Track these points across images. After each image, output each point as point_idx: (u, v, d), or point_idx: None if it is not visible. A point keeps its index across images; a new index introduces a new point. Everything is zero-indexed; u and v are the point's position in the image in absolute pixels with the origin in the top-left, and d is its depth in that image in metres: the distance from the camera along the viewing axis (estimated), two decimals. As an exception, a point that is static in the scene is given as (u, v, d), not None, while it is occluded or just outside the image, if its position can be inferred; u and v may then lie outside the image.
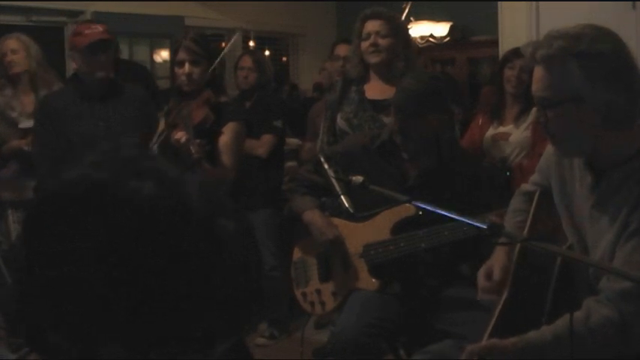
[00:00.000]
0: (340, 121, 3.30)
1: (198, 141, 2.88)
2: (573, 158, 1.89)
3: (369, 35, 3.21)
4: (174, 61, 3.17)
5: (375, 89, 3.26)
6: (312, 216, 2.76)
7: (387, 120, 3.04)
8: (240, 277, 0.84)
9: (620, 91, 1.68)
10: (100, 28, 3.22)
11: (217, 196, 0.84)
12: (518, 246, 1.99)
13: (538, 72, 1.75)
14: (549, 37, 1.73)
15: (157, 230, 0.77)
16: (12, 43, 3.85)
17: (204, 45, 3.17)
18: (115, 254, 0.76)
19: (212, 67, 3.25)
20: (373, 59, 3.21)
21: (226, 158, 3.06)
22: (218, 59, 3.63)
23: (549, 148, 2.02)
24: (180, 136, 2.87)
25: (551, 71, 1.72)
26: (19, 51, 3.82)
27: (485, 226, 1.62)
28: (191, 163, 2.86)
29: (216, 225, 0.81)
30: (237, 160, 3.13)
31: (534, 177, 2.15)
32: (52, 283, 0.78)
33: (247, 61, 4.53)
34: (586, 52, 1.68)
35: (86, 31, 3.20)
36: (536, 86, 1.76)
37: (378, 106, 3.21)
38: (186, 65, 3.09)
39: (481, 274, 2.11)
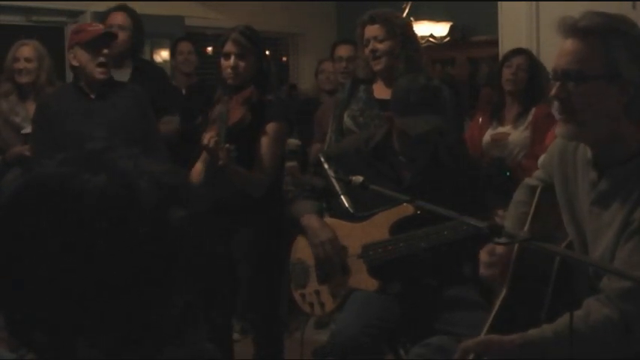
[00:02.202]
0: (347, 120, 3.30)
1: (227, 146, 2.81)
2: (576, 153, 1.87)
3: (368, 41, 3.20)
4: (220, 53, 3.08)
5: (383, 89, 3.26)
6: (309, 220, 2.75)
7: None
8: (200, 264, 0.85)
9: None
10: (101, 26, 3.26)
11: (170, 185, 0.85)
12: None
13: (572, 44, 1.70)
14: (588, 14, 1.70)
15: (106, 220, 0.79)
16: (28, 50, 3.81)
17: (253, 39, 3.06)
18: (65, 246, 0.78)
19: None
20: (375, 66, 3.21)
21: (263, 160, 2.99)
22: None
23: (552, 145, 2.01)
24: (209, 138, 2.82)
25: (589, 44, 1.68)
26: (32, 61, 3.79)
27: (485, 226, 1.62)
28: (217, 167, 2.81)
29: (167, 213, 0.83)
30: (275, 162, 3.04)
31: (538, 172, 2.14)
32: (16, 278, 0.80)
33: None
34: (628, 32, 1.68)
35: (89, 28, 3.23)
36: (568, 58, 1.71)
37: (385, 105, 3.20)
38: (232, 58, 3.01)
39: (484, 250, 2.08)
